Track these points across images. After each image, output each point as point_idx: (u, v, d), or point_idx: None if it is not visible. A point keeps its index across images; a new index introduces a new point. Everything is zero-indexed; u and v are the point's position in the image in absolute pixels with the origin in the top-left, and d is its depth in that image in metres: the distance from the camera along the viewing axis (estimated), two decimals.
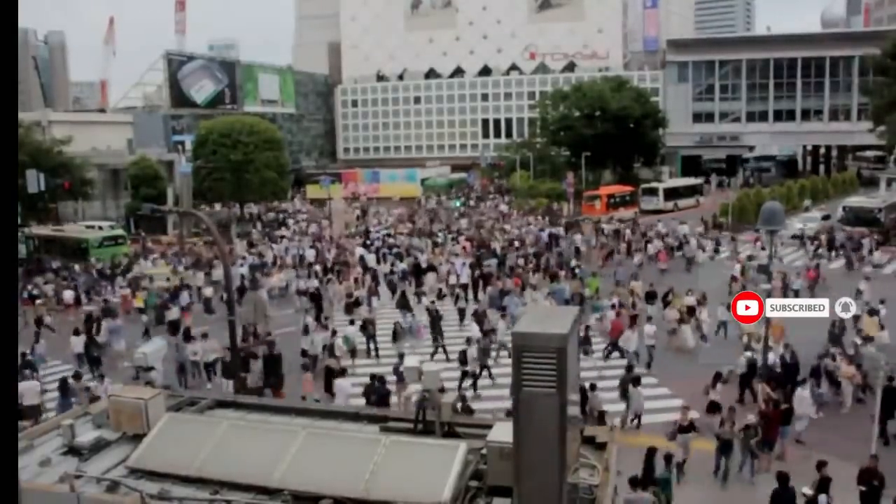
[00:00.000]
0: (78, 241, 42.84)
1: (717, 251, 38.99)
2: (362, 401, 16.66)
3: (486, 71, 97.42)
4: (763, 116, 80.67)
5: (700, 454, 15.05)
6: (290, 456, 6.67)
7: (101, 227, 47.82)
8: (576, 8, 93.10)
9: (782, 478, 12.66)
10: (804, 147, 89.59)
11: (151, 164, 58.19)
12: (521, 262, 34.83)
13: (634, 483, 11.41)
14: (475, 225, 49.46)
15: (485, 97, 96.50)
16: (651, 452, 13.23)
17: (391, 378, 17.80)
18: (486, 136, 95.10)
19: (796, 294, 27.30)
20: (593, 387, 17.31)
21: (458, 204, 65.18)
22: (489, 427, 6.80)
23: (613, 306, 25.24)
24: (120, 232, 46.52)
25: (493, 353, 21.39)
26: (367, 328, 23.55)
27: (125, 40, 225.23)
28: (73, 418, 7.93)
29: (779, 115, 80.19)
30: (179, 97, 79.53)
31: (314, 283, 31.30)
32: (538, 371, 5.33)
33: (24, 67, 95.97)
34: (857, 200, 47.01)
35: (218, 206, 64.32)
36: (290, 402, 10.81)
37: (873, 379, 15.77)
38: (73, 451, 7.36)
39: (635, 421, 17.73)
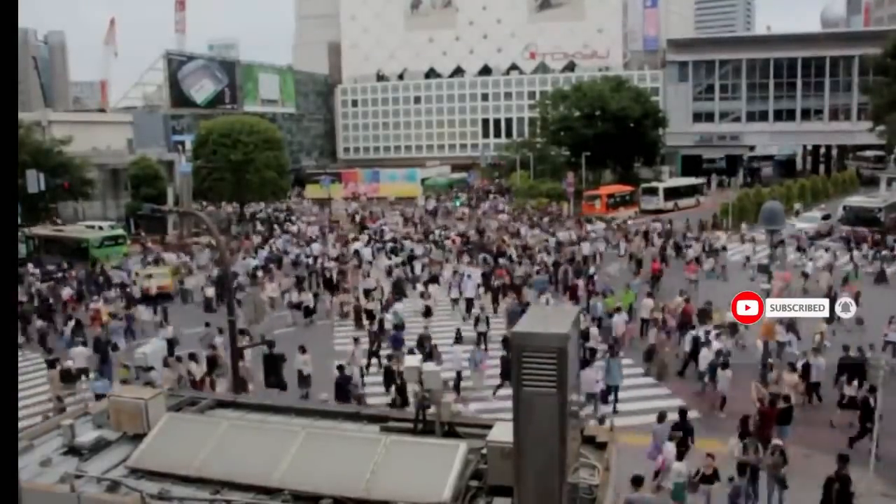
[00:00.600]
0: (78, 241, 42.83)
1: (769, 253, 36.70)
2: None
3: (486, 70, 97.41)
4: (763, 116, 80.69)
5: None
6: (291, 456, 6.67)
7: (101, 227, 47.83)
8: (576, 8, 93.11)
9: (682, 411, 14.71)
10: (804, 147, 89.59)
11: (151, 164, 58.18)
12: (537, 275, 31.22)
13: (637, 482, 11.37)
14: (478, 229, 47.05)
15: (485, 97, 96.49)
16: (830, 482, 12.50)
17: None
18: (486, 135, 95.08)
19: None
20: None
21: (457, 203, 65.19)
22: (489, 427, 6.80)
23: (619, 309, 24.07)
24: (120, 232, 46.51)
25: None
26: (424, 345, 20.88)
27: (125, 40, 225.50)
28: (73, 418, 7.94)
29: (779, 115, 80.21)
30: (179, 97, 79.55)
31: (309, 296, 28.91)
32: (538, 371, 5.33)
33: (24, 67, 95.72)
34: (857, 200, 47.03)
35: (230, 208, 64.34)
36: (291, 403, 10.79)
37: (873, 379, 15.72)
38: (73, 450, 7.36)
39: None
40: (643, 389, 20.18)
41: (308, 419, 8.00)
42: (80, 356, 21.57)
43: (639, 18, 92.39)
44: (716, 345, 20.23)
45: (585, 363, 18.54)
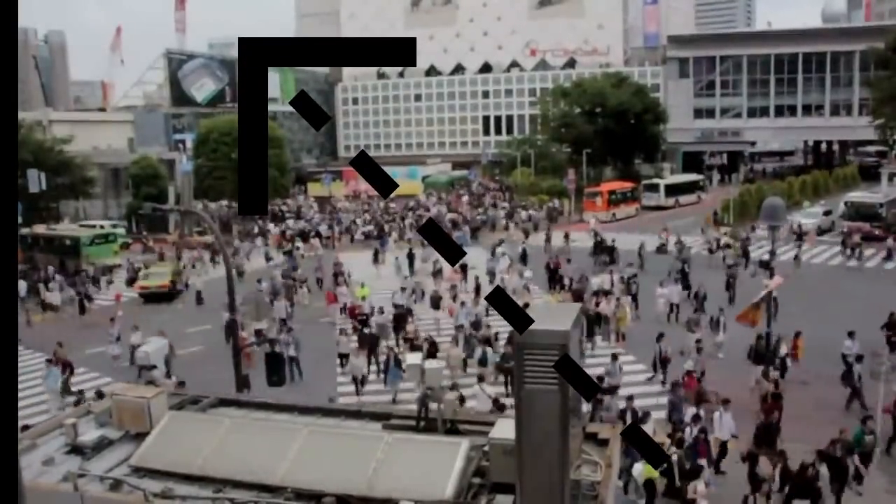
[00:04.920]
0: (70, 238, 42.92)
1: None
2: None
3: (486, 68, 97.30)
4: (764, 112, 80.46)
5: None
6: (293, 453, 6.68)
7: (102, 227, 47.96)
8: (576, 4, 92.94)
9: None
10: (805, 142, 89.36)
11: (152, 163, 58.16)
12: None
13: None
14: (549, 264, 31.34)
15: (485, 94, 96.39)
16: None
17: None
18: (486, 133, 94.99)
19: None
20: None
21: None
22: (491, 424, 6.80)
23: None
24: (112, 230, 46.57)
25: None
26: None
27: (125, 39, 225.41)
28: (75, 417, 7.94)
29: (780, 111, 79.96)
30: (180, 96, 79.53)
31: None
32: (541, 368, 5.33)
33: (25, 67, 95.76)
34: (858, 196, 46.93)
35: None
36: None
37: (876, 375, 15.71)
38: (76, 449, 7.37)
39: None
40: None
41: (310, 417, 8.00)
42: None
43: (639, 15, 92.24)
44: None
45: None
